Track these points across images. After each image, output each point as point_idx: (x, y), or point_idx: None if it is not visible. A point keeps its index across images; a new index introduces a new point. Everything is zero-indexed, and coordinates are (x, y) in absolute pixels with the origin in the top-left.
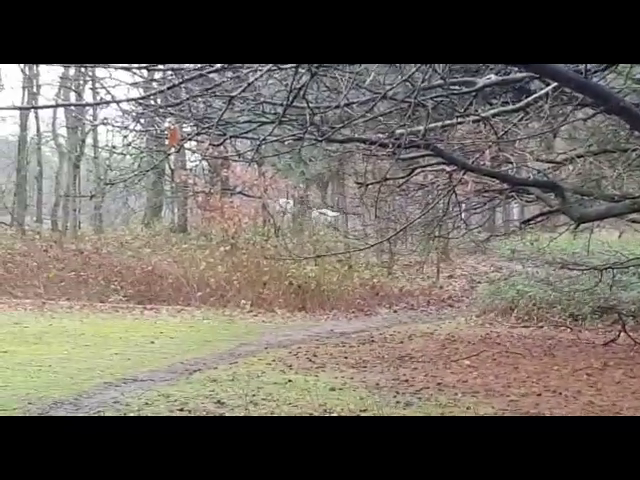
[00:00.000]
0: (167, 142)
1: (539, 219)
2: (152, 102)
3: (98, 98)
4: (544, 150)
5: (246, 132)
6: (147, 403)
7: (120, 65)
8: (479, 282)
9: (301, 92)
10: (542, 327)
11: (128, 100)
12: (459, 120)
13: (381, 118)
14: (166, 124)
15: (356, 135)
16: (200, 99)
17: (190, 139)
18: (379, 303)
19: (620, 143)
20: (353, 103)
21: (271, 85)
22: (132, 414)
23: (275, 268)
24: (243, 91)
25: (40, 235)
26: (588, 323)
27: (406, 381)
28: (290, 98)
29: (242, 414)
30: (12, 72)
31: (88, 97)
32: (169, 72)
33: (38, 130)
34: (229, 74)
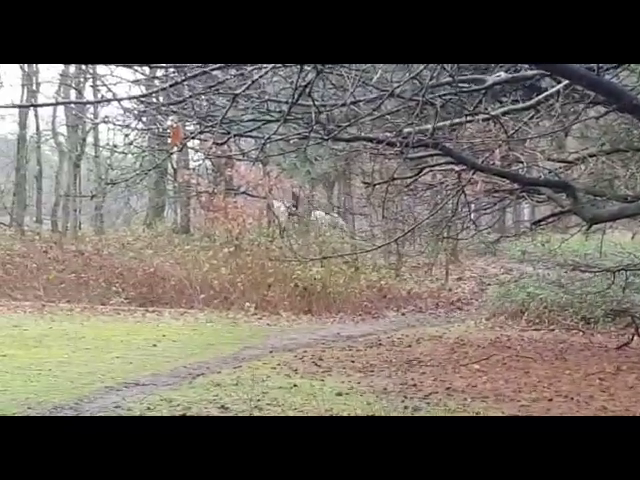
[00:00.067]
0: (169, 141)
1: (550, 220)
2: (154, 100)
3: (99, 96)
4: (555, 149)
5: (250, 130)
6: (149, 408)
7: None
8: (489, 284)
9: (307, 90)
10: (553, 330)
11: (130, 98)
12: (468, 118)
13: (388, 116)
14: (168, 122)
15: (363, 134)
16: (203, 97)
17: (193, 138)
18: (386, 306)
19: (633, 142)
20: (360, 101)
21: (276, 82)
22: None
23: (280, 270)
24: (247, 88)
25: (40, 236)
26: (600, 326)
27: (414, 386)
28: (295, 96)
29: None
30: (11, 69)
31: (89, 95)
32: (171, 69)
33: (38, 128)
34: (233, 71)
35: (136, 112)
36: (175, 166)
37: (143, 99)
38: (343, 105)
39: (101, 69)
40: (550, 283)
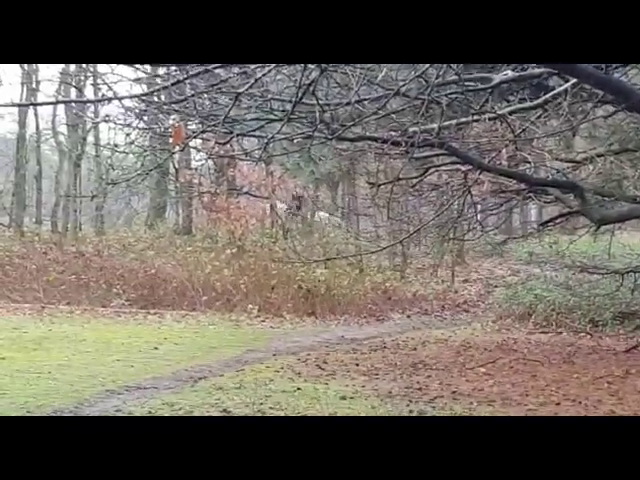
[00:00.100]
0: (171, 140)
1: (558, 221)
2: (156, 99)
3: (100, 94)
4: (563, 149)
5: (253, 130)
6: (150, 412)
7: None
8: (495, 286)
9: (310, 88)
10: (561, 333)
11: (131, 97)
12: (475, 118)
13: (393, 115)
14: (170, 121)
15: (367, 133)
16: (205, 95)
17: (195, 137)
18: (391, 308)
19: None
20: (364, 100)
21: (279, 81)
22: None
23: (283, 271)
24: (250, 87)
25: (39, 237)
26: (609, 329)
27: (419, 389)
28: (299, 94)
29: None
30: (10, 67)
31: (89, 93)
32: (173, 67)
33: (37, 128)
34: (236, 70)
35: (137, 111)
36: (177, 166)
37: (144, 98)
38: (347, 104)
39: (102, 67)
40: (558, 285)
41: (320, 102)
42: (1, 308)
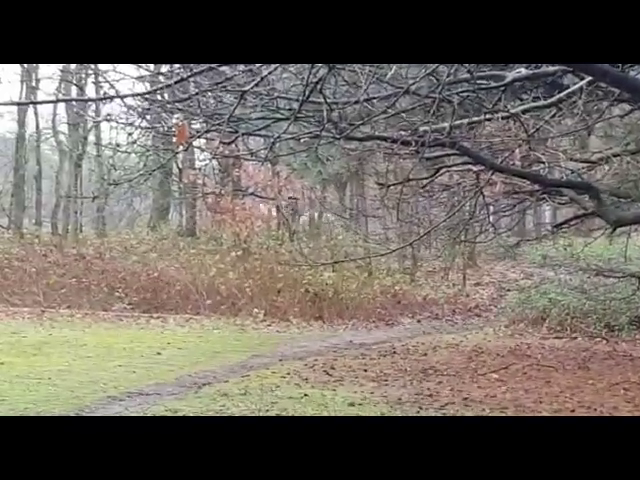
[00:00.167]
0: (175, 140)
1: (573, 222)
2: (159, 97)
3: (101, 93)
4: (578, 149)
5: (259, 129)
6: None
7: None
8: (508, 290)
9: (318, 86)
10: (576, 338)
11: (133, 95)
12: (487, 117)
13: (403, 114)
14: (174, 120)
15: (377, 133)
16: (210, 94)
17: (199, 136)
18: (401, 312)
19: None
20: (373, 98)
21: (286, 79)
22: None
23: (290, 274)
24: (256, 85)
25: (39, 239)
26: (625, 334)
27: (430, 396)
28: (306, 93)
29: None
30: (10, 65)
31: (90, 92)
32: (177, 65)
33: (37, 127)
34: (241, 67)
35: (140, 110)
36: (180, 166)
37: (147, 96)
38: (356, 102)
39: (103, 65)
40: (572, 289)
41: (328, 100)
42: (0, 312)
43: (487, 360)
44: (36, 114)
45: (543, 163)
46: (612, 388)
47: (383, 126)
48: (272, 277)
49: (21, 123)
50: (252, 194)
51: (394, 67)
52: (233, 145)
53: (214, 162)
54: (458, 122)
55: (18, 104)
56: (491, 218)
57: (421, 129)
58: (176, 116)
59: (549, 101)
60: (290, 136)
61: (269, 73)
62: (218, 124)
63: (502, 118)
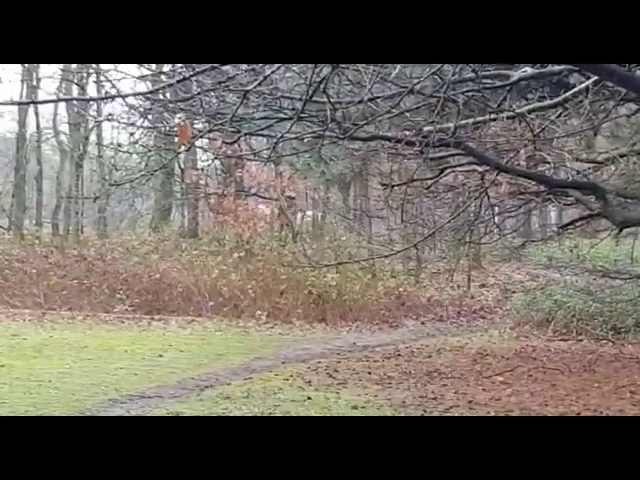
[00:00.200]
0: (177, 140)
1: (579, 224)
2: (161, 96)
3: (103, 92)
4: (584, 149)
5: (262, 129)
6: None
7: None
8: (513, 292)
9: (321, 86)
10: (582, 341)
11: (135, 94)
12: (492, 116)
13: (408, 114)
14: (176, 120)
15: (381, 132)
16: (212, 93)
17: (202, 136)
18: (405, 314)
19: None
20: (377, 98)
21: (289, 78)
22: None
23: (293, 276)
24: (259, 85)
25: (40, 240)
26: (632, 336)
27: (434, 399)
28: (310, 92)
29: None
30: (10, 64)
31: (92, 91)
32: (179, 64)
33: (38, 127)
34: (244, 66)
35: (142, 109)
36: (182, 166)
37: (149, 96)
38: (360, 102)
39: (105, 64)
40: (578, 291)
41: (331, 100)
42: (0, 314)
43: (492, 363)
44: (37, 114)
45: (549, 163)
46: (618, 391)
47: (387, 126)
48: (275, 278)
49: (22, 123)
50: (255, 194)
51: (398, 66)
52: (236, 145)
53: (216, 162)
54: (463, 122)
55: (19, 104)
56: (496, 219)
57: (425, 129)
58: (178, 116)
59: (555, 101)
60: (293, 136)
61: (272, 72)
62: (221, 124)
63: (507, 118)
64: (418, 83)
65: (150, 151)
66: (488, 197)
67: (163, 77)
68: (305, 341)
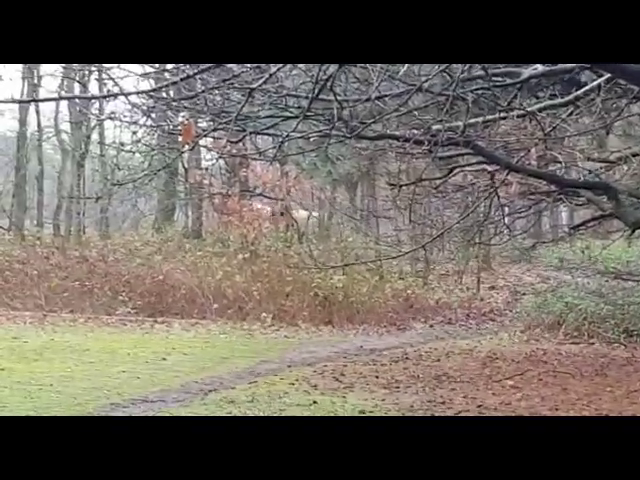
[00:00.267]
0: (180, 139)
1: (590, 224)
2: (164, 95)
3: (105, 90)
4: (596, 148)
5: (267, 128)
6: None
7: None
8: (524, 294)
9: (328, 84)
10: (593, 344)
11: (138, 92)
12: (502, 115)
13: (416, 112)
14: (179, 119)
15: (388, 131)
16: (217, 91)
17: (206, 135)
18: (413, 317)
19: None
20: (385, 96)
21: (295, 76)
22: None
23: (299, 278)
24: (264, 83)
25: (41, 241)
26: None
27: (443, 403)
28: (316, 90)
29: None
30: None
31: (94, 89)
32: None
33: (39, 125)
34: (249, 64)
35: (145, 108)
36: (186, 166)
37: (152, 94)
38: (367, 100)
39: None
40: (590, 293)
41: (338, 98)
42: (0, 316)
43: (502, 366)
44: (38, 112)
45: (560, 163)
46: (631, 395)
47: (395, 125)
48: (280, 280)
49: (22, 121)
50: (260, 195)
51: (406, 64)
52: (240, 144)
53: (221, 162)
54: (472, 120)
55: (19, 102)
56: (506, 220)
57: (434, 128)
58: (182, 114)
59: (566, 99)
60: (299, 135)
61: (277, 70)
62: (225, 122)
63: (518, 116)
64: (427, 81)
65: (153, 150)
66: (498, 197)
67: (167, 75)
68: (311, 344)
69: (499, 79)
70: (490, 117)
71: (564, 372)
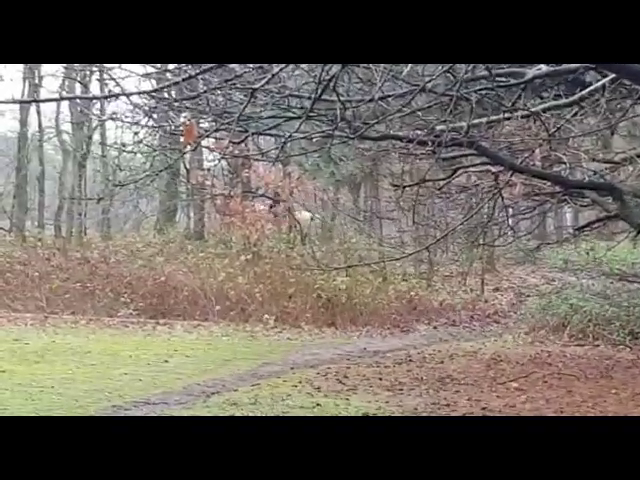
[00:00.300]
0: (182, 139)
1: (595, 225)
2: (166, 95)
3: (106, 90)
4: (601, 149)
5: (270, 128)
6: None
7: None
8: (528, 295)
9: (331, 84)
10: (598, 346)
11: (139, 93)
12: (506, 115)
13: (420, 113)
14: (181, 119)
15: (392, 132)
16: (219, 92)
17: (208, 136)
18: (417, 318)
19: None
20: (389, 96)
21: (297, 76)
22: None
23: (302, 279)
24: (267, 83)
25: (42, 242)
26: None
27: (447, 405)
28: (319, 91)
29: None
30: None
31: (95, 89)
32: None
33: (40, 126)
34: (251, 64)
35: (146, 108)
36: (188, 167)
37: (154, 94)
38: (370, 100)
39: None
40: (595, 294)
41: (341, 98)
42: (1, 318)
43: (506, 368)
44: (39, 112)
45: (564, 164)
46: (636, 397)
47: (398, 125)
48: (283, 282)
49: (23, 122)
50: (262, 196)
51: (410, 64)
52: (243, 145)
53: (223, 162)
54: (476, 121)
55: (20, 102)
56: (510, 221)
57: (438, 128)
58: (184, 115)
59: (571, 99)
60: (302, 136)
61: (280, 70)
62: (227, 123)
63: (522, 117)
64: (430, 81)
65: (155, 151)
66: (502, 198)
67: (168, 75)
68: (314, 346)
69: (503, 79)
70: (494, 117)
71: (569, 374)
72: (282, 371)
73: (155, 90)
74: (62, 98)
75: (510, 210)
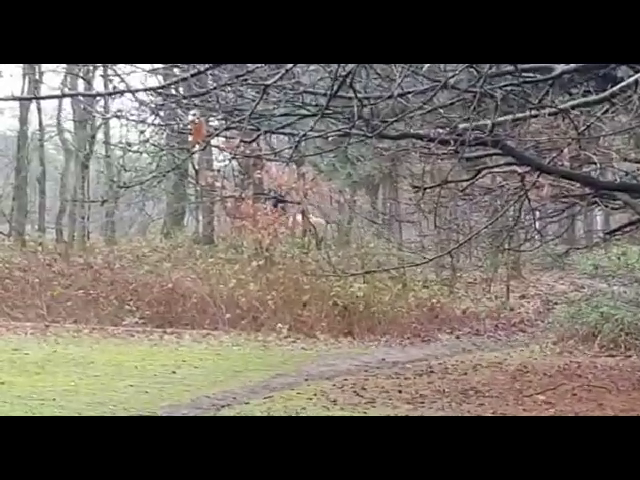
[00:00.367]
0: (191, 138)
1: (627, 229)
2: (173, 92)
3: (110, 87)
4: (633, 148)
5: (283, 127)
6: None
7: None
8: (556, 303)
9: (347, 80)
10: (630, 356)
11: (146, 89)
12: (533, 113)
13: (441, 110)
14: (190, 117)
15: (412, 130)
16: (230, 88)
17: (218, 135)
18: (439, 327)
19: None
20: (409, 93)
21: (312, 72)
22: None
23: (317, 286)
24: (280, 79)
25: (43, 247)
26: None
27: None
28: (335, 87)
29: None
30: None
31: (99, 86)
32: None
33: (40, 124)
34: None
35: (153, 105)
36: (197, 167)
37: (161, 91)
38: (389, 97)
39: None
40: (627, 302)
41: (359, 95)
42: (0, 327)
43: (533, 380)
44: (39, 110)
45: (595, 164)
46: None
47: (419, 123)
48: (297, 289)
49: (23, 120)
50: (275, 198)
51: None
52: (255, 144)
53: (234, 163)
54: (501, 119)
55: (20, 99)
56: (537, 224)
57: (461, 126)
58: (192, 112)
59: (601, 96)
60: (317, 134)
61: (294, 66)
62: (238, 121)
63: (549, 114)
64: (453, 77)
65: (162, 150)
66: (529, 200)
67: (176, 71)
68: (330, 356)
69: (530, 75)
70: (520, 115)
71: (599, 386)
72: (296, 383)
73: (162, 86)
74: (64, 95)
75: (537, 213)
